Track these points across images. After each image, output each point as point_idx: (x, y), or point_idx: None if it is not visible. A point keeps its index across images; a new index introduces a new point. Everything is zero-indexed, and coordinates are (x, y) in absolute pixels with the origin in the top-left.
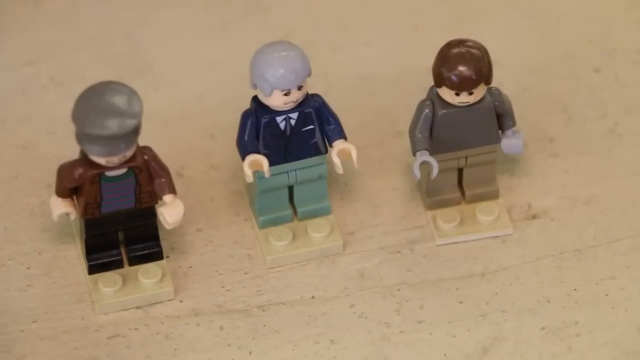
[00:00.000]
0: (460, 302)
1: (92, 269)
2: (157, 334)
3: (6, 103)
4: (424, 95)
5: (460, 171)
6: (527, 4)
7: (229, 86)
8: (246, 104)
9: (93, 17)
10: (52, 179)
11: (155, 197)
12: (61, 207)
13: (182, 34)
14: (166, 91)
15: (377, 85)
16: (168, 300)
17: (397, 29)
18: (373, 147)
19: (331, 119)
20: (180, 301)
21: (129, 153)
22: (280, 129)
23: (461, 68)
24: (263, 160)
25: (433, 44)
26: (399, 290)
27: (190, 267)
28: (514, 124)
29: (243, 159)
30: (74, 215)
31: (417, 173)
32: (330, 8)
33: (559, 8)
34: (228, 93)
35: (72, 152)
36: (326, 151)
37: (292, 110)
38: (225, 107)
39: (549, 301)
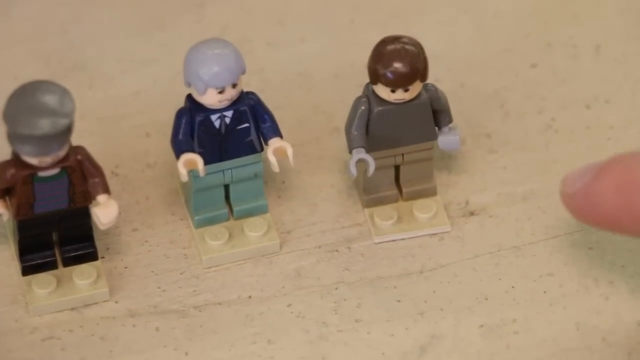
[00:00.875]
0: (398, 301)
1: (26, 270)
2: (93, 335)
3: None
4: (360, 92)
5: (397, 168)
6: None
7: (163, 84)
8: (181, 102)
9: (26, 14)
10: None
11: (89, 197)
12: None
13: (116, 31)
14: (100, 89)
15: (314, 82)
16: (103, 302)
17: (333, 24)
18: (309, 144)
19: (266, 116)
20: (116, 302)
21: (62, 153)
22: (215, 127)
23: (396, 65)
24: (198, 159)
25: (370, 40)
26: (336, 289)
27: (126, 268)
28: (450, 121)
29: (178, 157)
30: (6, 216)
31: (354, 171)
32: (266, 3)
33: (495, 3)
34: (163, 90)
35: (3, 152)
36: (262, 149)
37: (226, 109)
38: (160, 105)
39: (487, 299)
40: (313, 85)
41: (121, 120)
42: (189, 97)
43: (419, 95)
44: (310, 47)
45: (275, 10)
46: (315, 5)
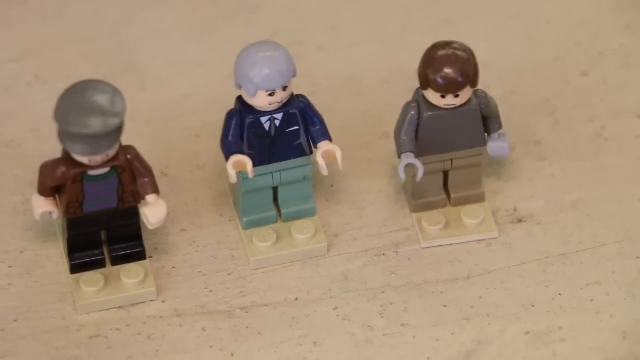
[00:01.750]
0: (445, 306)
1: (75, 269)
2: (139, 334)
3: None
4: (410, 97)
5: (445, 174)
6: (514, 6)
7: (214, 86)
8: (231, 104)
9: (79, 16)
10: (35, 177)
11: (138, 197)
12: (44, 206)
13: (167, 33)
14: (151, 90)
15: (364, 86)
16: (150, 301)
17: (384, 29)
18: (359, 148)
19: (316, 120)
20: (163, 302)
21: (112, 152)
22: (265, 130)
23: (447, 70)
24: (247, 161)
25: (420, 45)
26: (383, 293)
27: (174, 268)
28: (500, 127)
29: (227, 159)
30: (56, 214)
31: (403, 175)
32: (317, 8)
33: (547, 11)
34: (213, 93)
35: (55, 150)
36: (311, 152)
37: (276, 111)
38: (211, 107)
39: (533, 306)
40: (363, 90)
41: (171, 121)
42: (240, 99)
43: (469, 101)
44: (361, 51)
45: (326, 15)
46: (366, 11)
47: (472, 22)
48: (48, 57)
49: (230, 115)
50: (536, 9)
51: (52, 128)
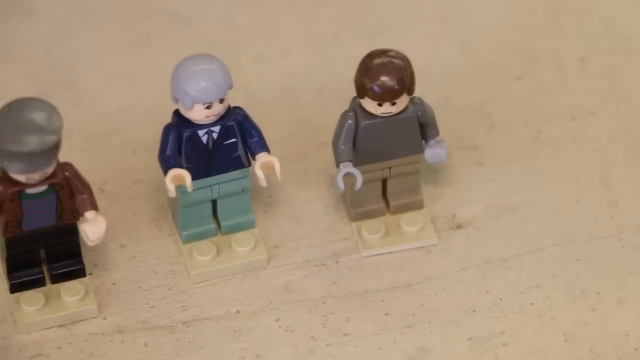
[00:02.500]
0: (386, 314)
1: (14, 288)
2: (81, 352)
3: None
4: (347, 106)
5: (384, 182)
6: (449, 13)
7: (150, 100)
8: (168, 118)
9: (12, 32)
10: None
11: (77, 214)
12: None
13: (102, 48)
14: (87, 106)
15: (300, 97)
16: (91, 318)
17: (318, 39)
18: (296, 159)
19: (253, 131)
20: (104, 318)
21: (50, 170)
22: (203, 143)
23: (383, 78)
24: (185, 175)
25: (355, 54)
26: (324, 303)
27: (114, 284)
28: (437, 134)
29: (165, 173)
30: None
31: (341, 185)
32: (251, 20)
33: (480, 16)
34: (149, 107)
35: None
36: (249, 164)
37: (214, 124)
38: (147, 122)
39: (474, 311)
40: (299, 100)
41: (108, 137)
42: (176, 113)
43: (406, 108)
44: (296, 62)
45: (260, 26)
46: (300, 21)
47: (407, 30)
48: None
49: (167, 129)
50: (470, 14)
51: None
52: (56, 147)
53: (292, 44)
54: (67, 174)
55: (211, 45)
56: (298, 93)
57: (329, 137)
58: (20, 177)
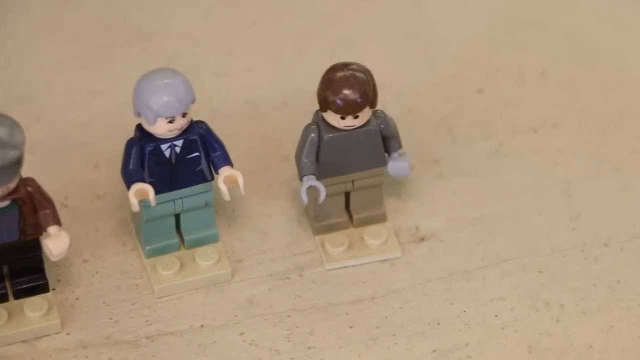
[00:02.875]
0: (351, 327)
1: None
2: None
3: None
4: (309, 120)
5: (347, 195)
6: (411, 26)
7: (112, 115)
8: (130, 133)
9: None
10: None
11: (40, 229)
12: None
13: (63, 63)
14: (48, 121)
15: (262, 111)
16: (55, 334)
17: (280, 53)
18: (259, 172)
19: (216, 145)
20: (68, 334)
21: (12, 185)
22: (166, 157)
23: (346, 92)
24: (149, 189)
25: (317, 67)
26: (288, 316)
27: (77, 299)
28: (400, 147)
29: (128, 188)
30: None
31: (305, 198)
32: (213, 34)
33: (442, 30)
34: (111, 122)
35: None
36: (212, 178)
37: (176, 138)
38: (109, 136)
39: (439, 323)
40: (261, 114)
41: (70, 152)
42: (139, 127)
43: (368, 121)
44: (258, 76)
45: (222, 40)
46: (262, 35)
47: (369, 43)
48: None
49: (130, 144)
50: (431, 28)
51: None
52: (18, 162)
53: (254, 58)
54: (29, 189)
55: (173, 59)
56: (261, 107)
57: (291, 151)
58: None
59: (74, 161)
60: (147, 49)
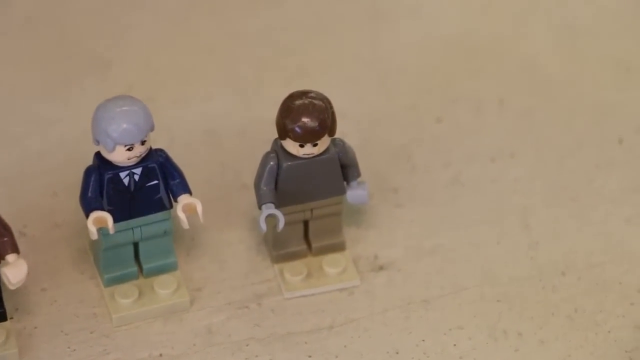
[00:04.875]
0: (309, 356)
1: None
2: None
3: None
4: (268, 148)
5: (306, 223)
6: (369, 55)
7: (70, 143)
8: (88, 161)
9: None
10: None
11: None
12: None
13: (21, 91)
14: (6, 149)
15: (221, 139)
16: None
17: (239, 82)
18: (218, 201)
19: (175, 173)
20: None
21: None
22: (124, 185)
23: (304, 120)
24: (107, 217)
25: (276, 96)
26: (247, 345)
27: (35, 328)
28: (358, 175)
29: (87, 215)
30: None
31: (264, 226)
32: (171, 62)
33: (400, 59)
34: (69, 150)
35: None
36: (171, 206)
37: (135, 166)
38: (67, 164)
39: (397, 352)
40: (220, 142)
41: (28, 180)
42: (97, 155)
43: (327, 149)
44: (216, 104)
45: (180, 69)
46: (221, 64)
47: (327, 72)
48: None
49: (88, 171)
50: (389, 57)
51: None
52: None
53: (212, 87)
54: None
55: (131, 87)
56: (219, 135)
57: (250, 179)
58: None
59: (32, 189)
60: (106, 77)
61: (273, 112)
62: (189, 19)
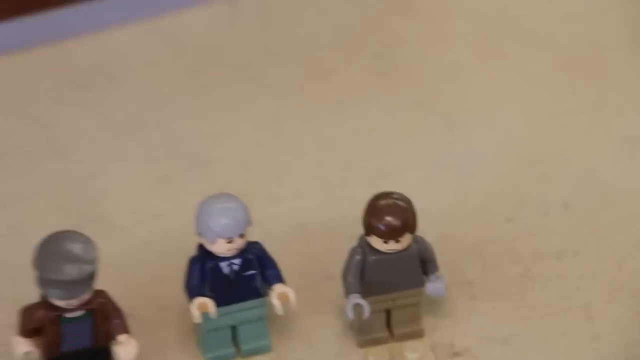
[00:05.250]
0: None
1: None
2: None
3: None
4: (353, 242)
5: (388, 312)
6: (445, 160)
7: (174, 234)
8: (190, 251)
9: (49, 172)
10: (13, 320)
11: (111, 337)
12: (24, 347)
13: (130, 186)
14: (117, 238)
15: (309, 233)
16: None
17: (326, 181)
18: (308, 289)
19: (270, 264)
20: None
21: (87, 296)
22: (224, 274)
23: (389, 218)
24: (209, 303)
25: (360, 196)
26: None
27: None
28: (436, 269)
29: (190, 301)
30: (35, 354)
31: (350, 314)
32: (264, 162)
33: (473, 164)
34: (173, 240)
35: (31, 294)
36: (266, 294)
37: (235, 257)
38: (172, 253)
39: None
40: (309, 236)
41: (136, 266)
42: (200, 246)
43: (409, 246)
44: (305, 201)
45: (273, 168)
46: (309, 164)
47: (407, 175)
48: (21, 209)
49: (192, 261)
50: (463, 161)
51: (26, 274)
52: (92, 276)
53: (302, 185)
54: (102, 300)
55: (228, 185)
56: (308, 230)
57: (337, 270)
58: (60, 303)
59: (140, 275)
60: (205, 175)
61: (357, 210)
62: (280, 123)
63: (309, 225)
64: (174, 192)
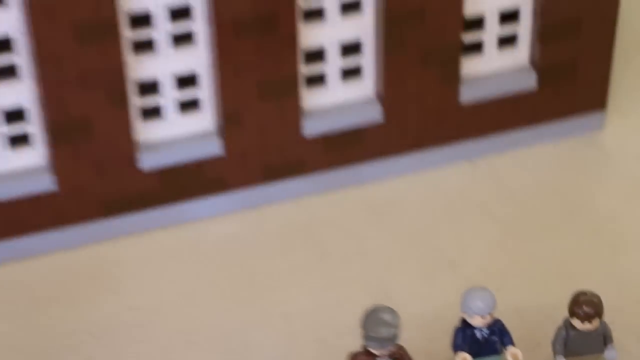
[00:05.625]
0: None
1: None
2: None
3: None
4: (550, 330)
5: None
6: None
7: (446, 317)
8: (456, 322)
9: None
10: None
11: None
12: None
13: (387, 285)
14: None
15: (526, 317)
16: None
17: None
18: (529, 351)
19: (506, 333)
20: None
21: (392, 348)
22: (477, 338)
23: (586, 309)
24: (468, 357)
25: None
26: None
27: None
28: (611, 342)
29: (456, 354)
30: None
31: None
32: (508, 266)
33: None
34: (446, 321)
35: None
36: (502, 352)
37: (485, 328)
38: (438, 325)
39: None
40: (524, 318)
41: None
42: (462, 319)
43: (597, 326)
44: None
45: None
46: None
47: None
48: None
49: (458, 330)
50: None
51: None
52: (396, 335)
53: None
54: (401, 352)
55: (472, 282)
56: (525, 314)
57: (543, 341)
58: (376, 351)
59: (415, 340)
60: (455, 275)
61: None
62: None
63: (524, 311)
64: (427, 290)
